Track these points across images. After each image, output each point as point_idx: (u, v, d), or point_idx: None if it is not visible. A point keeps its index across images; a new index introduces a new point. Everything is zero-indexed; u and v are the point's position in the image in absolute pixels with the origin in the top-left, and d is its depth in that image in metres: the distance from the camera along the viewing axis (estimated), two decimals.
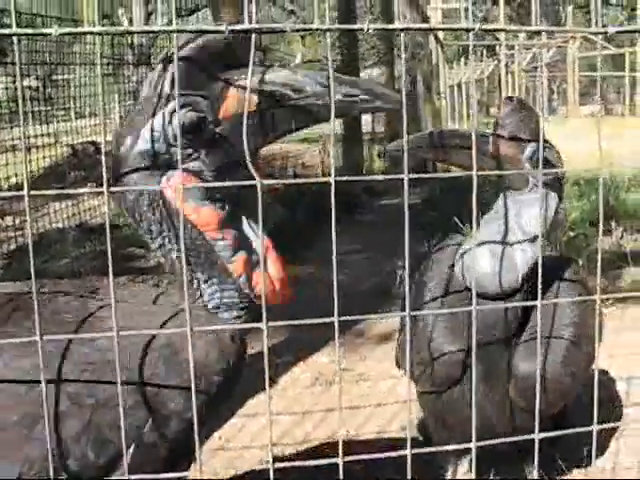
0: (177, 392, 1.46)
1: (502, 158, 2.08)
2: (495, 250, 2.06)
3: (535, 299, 1.89)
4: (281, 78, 1.62)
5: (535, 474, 2.36)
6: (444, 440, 2.31)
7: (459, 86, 24.54)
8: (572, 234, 6.22)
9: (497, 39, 25.69)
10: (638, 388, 3.55)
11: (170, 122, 1.57)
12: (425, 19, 13.19)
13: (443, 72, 17.43)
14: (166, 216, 1.58)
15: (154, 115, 1.57)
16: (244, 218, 1.67)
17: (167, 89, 1.57)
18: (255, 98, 1.60)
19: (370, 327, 4.49)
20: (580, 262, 5.11)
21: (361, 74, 12.70)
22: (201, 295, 1.62)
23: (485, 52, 29.58)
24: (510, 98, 2.15)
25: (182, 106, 1.55)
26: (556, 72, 29.34)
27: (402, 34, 1.25)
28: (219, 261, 1.61)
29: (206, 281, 1.62)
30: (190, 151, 1.59)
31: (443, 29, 1.19)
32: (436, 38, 13.84)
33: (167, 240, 1.61)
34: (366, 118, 13.28)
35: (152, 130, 1.57)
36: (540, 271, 1.45)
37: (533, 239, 2.05)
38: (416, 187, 8.97)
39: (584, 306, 2.23)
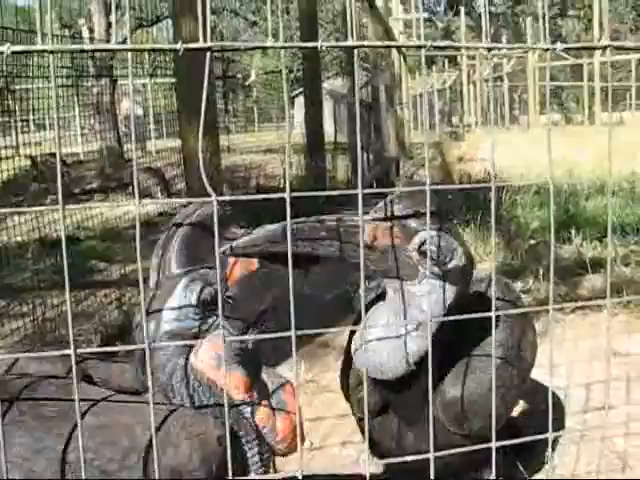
0: None
1: (385, 248, 1.91)
2: (385, 341, 1.96)
3: (462, 329, 1.86)
4: (261, 237, 1.75)
5: None
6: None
7: (421, 96, 24.75)
8: (533, 242, 6.31)
9: (458, 49, 25.98)
10: (597, 394, 3.59)
11: (186, 297, 1.70)
12: (387, 30, 13.30)
13: (405, 82, 17.58)
14: (197, 387, 1.68)
15: (170, 295, 1.70)
16: (263, 367, 1.85)
17: (174, 269, 1.71)
18: (255, 262, 1.76)
19: (335, 338, 4.50)
20: (540, 270, 5.19)
21: (324, 84, 12.73)
22: None
23: (447, 62, 29.92)
24: (403, 178, 2.09)
25: (193, 281, 1.70)
26: (517, 82, 29.76)
27: (355, 51, 1.26)
28: (244, 419, 1.73)
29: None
30: (212, 320, 1.72)
31: (395, 46, 1.21)
32: (398, 49, 13.95)
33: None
34: (329, 128, 13.31)
35: (172, 309, 1.69)
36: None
37: (423, 330, 1.91)
38: (379, 198, 9.00)
39: (515, 324, 2.21)
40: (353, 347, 2.08)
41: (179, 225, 1.75)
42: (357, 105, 1.43)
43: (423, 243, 1.87)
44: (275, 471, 1.87)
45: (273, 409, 1.74)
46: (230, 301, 1.73)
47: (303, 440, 1.88)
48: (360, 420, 2.35)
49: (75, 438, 1.40)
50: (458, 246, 1.92)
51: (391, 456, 2.18)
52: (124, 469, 1.42)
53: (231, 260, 1.72)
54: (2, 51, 1.14)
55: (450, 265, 1.91)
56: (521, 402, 3.40)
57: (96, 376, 1.65)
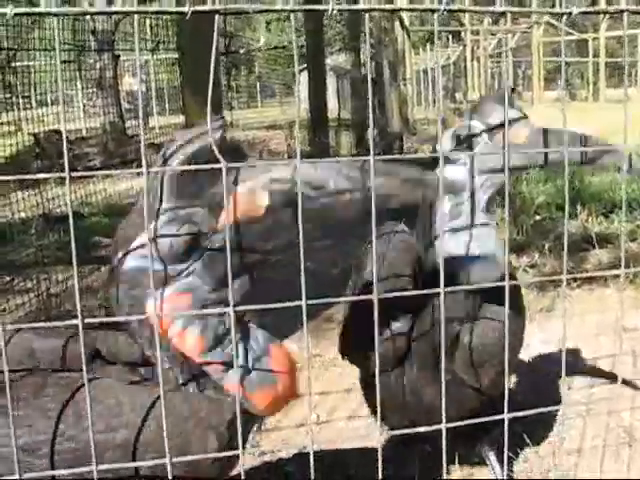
0: None
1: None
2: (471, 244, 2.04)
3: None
4: (288, 173, 1.44)
5: (493, 456, 2.38)
6: (395, 424, 2.31)
7: (425, 71, 24.60)
8: (538, 218, 6.28)
9: (462, 25, 25.80)
10: (604, 368, 3.59)
11: (162, 236, 1.43)
12: (391, 2, 13.19)
13: (409, 58, 17.46)
14: (151, 339, 1.45)
15: (145, 228, 1.41)
16: (251, 327, 1.56)
17: (160, 199, 1.44)
18: (265, 199, 1.45)
19: (340, 312, 4.49)
20: (546, 245, 5.17)
21: (327, 60, 12.65)
22: None
23: (451, 38, 29.70)
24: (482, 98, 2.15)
25: (174, 220, 1.43)
26: (521, 57, 29.57)
27: (366, 15, 1.23)
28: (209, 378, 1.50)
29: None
30: (184, 266, 1.45)
31: (407, 9, 1.18)
32: (402, 24, 13.86)
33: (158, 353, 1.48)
34: (332, 104, 13.23)
35: (143, 245, 1.44)
36: (507, 251, 1.44)
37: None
38: None
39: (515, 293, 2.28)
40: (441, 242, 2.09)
41: (172, 155, 1.44)
42: (369, 75, 1.39)
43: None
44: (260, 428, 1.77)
45: (244, 380, 1.49)
46: (211, 251, 1.46)
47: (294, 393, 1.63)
48: (365, 378, 2.33)
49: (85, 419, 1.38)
50: None
51: (407, 412, 2.20)
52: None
53: (232, 200, 1.42)
54: (5, 12, 1.11)
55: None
56: (529, 375, 3.41)
57: (104, 350, 1.59)
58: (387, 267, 2.17)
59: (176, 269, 1.44)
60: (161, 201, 1.43)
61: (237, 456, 1.50)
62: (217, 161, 1.26)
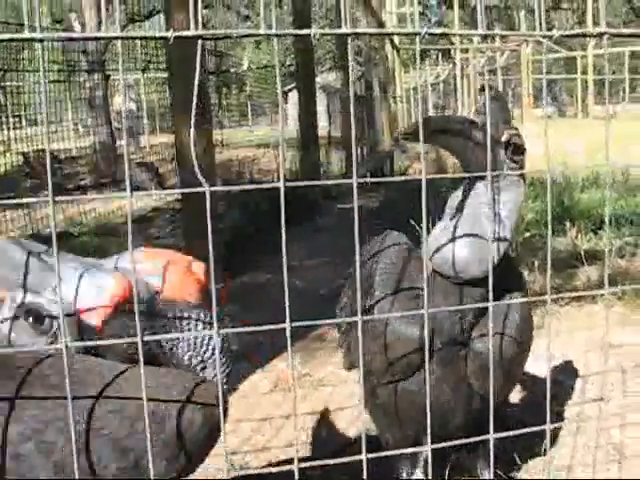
0: (159, 459, 1.45)
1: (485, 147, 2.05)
2: (471, 234, 2.04)
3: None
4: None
5: (486, 472, 2.38)
6: (397, 440, 2.32)
7: (415, 89, 24.72)
8: (527, 234, 6.30)
9: (452, 43, 25.97)
10: (593, 386, 3.60)
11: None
12: (380, 24, 13.26)
13: (399, 76, 17.55)
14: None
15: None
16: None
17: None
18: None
19: (329, 332, 4.49)
20: (535, 262, 5.19)
21: (317, 78, 12.71)
22: None
23: (440, 56, 29.88)
24: (483, 88, 2.13)
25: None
26: (510, 75, 29.78)
27: (349, 39, 1.24)
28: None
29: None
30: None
31: (388, 34, 1.19)
32: (391, 42, 13.93)
33: None
34: (323, 122, 13.29)
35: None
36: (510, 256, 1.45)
37: (506, 224, 2.05)
38: (374, 190, 9.04)
39: (524, 304, 2.27)
40: (431, 248, 2.08)
41: None
42: (351, 92, 1.41)
43: (510, 140, 2.03)
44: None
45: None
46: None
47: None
48: (378, 386, 2.32)
49: (83, 408, 1.41)
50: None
51: (415, 416, 2.20)
52: (133, 435, 1.43)
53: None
54: None
55: (524, 159, 2.09)
56: (519, 393, 3.41)
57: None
58: (389, 284, 2.19)
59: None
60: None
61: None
62: None
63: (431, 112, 27.59)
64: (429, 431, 1.41)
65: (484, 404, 2.17)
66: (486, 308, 2.14)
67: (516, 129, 2.09)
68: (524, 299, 2.21)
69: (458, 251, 2.03)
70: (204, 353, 1.67)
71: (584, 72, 24.13)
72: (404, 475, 2.45)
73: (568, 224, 6.30)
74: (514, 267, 2.35)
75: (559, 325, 4.38)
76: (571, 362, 3.85)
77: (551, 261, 4.51)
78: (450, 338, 2.11)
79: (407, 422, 2.29)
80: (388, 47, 14.22)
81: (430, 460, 1.37)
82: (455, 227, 2.05)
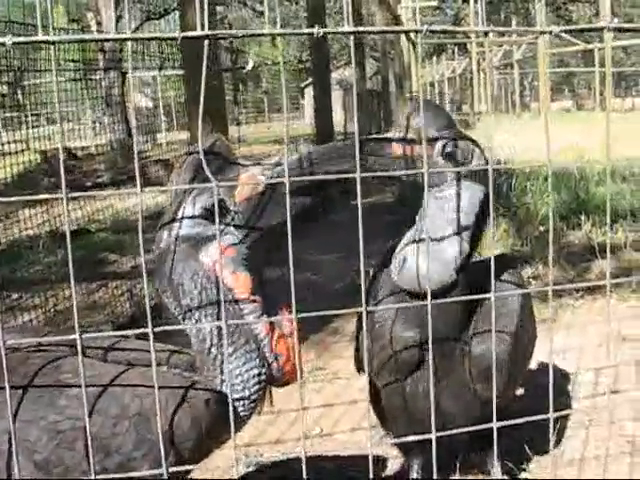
0: (145, 461, 1.49)
1: (415, 158, 2.00)
2: (424, 248, 2.01)
3: (477, 291, 1.92)
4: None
5: (495, 464, 2.39)
6: (404, 436, 2.33)
7: (432, 84, 24.67)
8: (542, 229, 6.30)
9: (468, 37, 25.86)
10: (606, 378, 3.60)
11: (194, 206, 1.82)
12: (396, 18, 13.25)
13: (415, 71, 17.51)
14: (206, 285, 1.78)
15: (180, 205, 1.83)
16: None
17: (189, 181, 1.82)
18: (262, 179, 1.84)
19: (344, 325, 4.52)
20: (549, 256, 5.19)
21: (333, 74, 12.73)
22: (221, 373, 1.75)
23: (457, 50, 29.79)
24: (411, 98, 2.12)
25: (200, 193, 1.82)
26: (527, 69, 29.61)
27: (352, 37, 1.27)
28: (248, 328, 1.80)
29: (232, 353, 1.76)
30: (221, 227, 1.82)
31: (391, 32, 1.22)
32: (407, 37, 13.91)
33: (203, 314, 1.78)
34: (339, 117, 13.30)
35: (184, 217, 1.82)
36: (493, 263, 1.47)
37: (461, 232, 2.01)
38: (388, 185, 9.03)
39: (526, 299, 2.27)
40: (394, 269, 2.09)
41: (191, 153, 1.85)
42: (354, 88, 1.44)
43: (445, 146, 1.99)
44: (271, 397, 1.89)
45: (272, 324, 1.81)
46: (237, 215, 1.83)
47: (295, 371, 1.86)
48: (382, 387, 2.34)
49: (69, 408, 1.44)
50: (474, 147, 2.05)
51: (417, 417, 2.22)
52: (116, 435, 1.46)
53: (240, 180, 1.82)
54: (4, 42, 1.16)
55: (472, 164, 2.04)
56: (530, 387, 3.42)
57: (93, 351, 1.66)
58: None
59: (214, 231, 1.78)
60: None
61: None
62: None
63: (447, 106, 27.51)
64: (434, 422, 1.44)
65: (488, 406, 2.15)
66: (480, 310, 2.14)
67: (455, 133, 2.03)
68: (515, 292, 2.19)
69: (411, 268, 2.02)
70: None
71: (602, 65, 23.94)
72: (414, 474, 2.48)
73: (583, 218, 6.30)
74: (509, 266, 2.30)
75: (572, 318, 4.39)
76: (584, 355, 3.86)
77: (565, 254, 4.51)
78: (442, 341, 2.10)
79: (405, 423, 2.30)
80: (404, 42, 14.20)
81: (435, 453, 1.38)
82: (413, 242, 2.05)
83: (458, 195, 2.02)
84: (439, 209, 2.03)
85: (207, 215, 1.80)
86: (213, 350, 1.74)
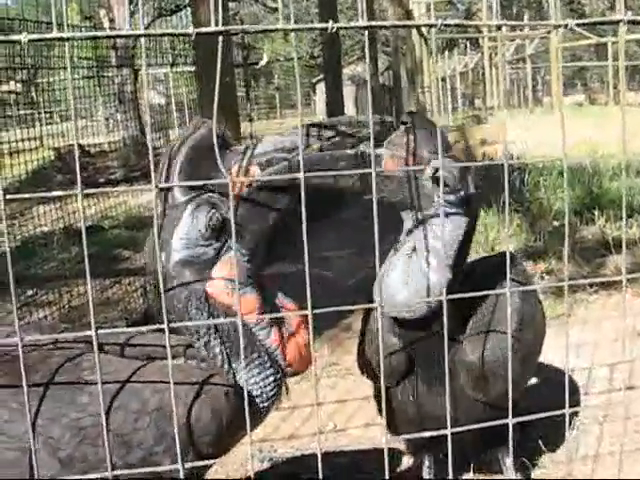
0: (166, 456, 1.49)
1: (401, 179, 1.95)
2: (405, 274, 1.96)
3: (472, 299, 1.89)
4: (270, 145, 1.72)
5: (509, 463, 2.38)
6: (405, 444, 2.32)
7: (443, 79, 24.58)
8: (556, 224, 6.27)
9: (480, 31, 25.75)
10: (621, 375, 3.58)
11: (193, 224, 1.68)
12: (408, 13, 13.21)
13: (427, 66, 17.46)
14: (212, 312, 1.70)
15: (177, 223, 1.69)
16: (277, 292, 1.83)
17: (179, 197, 1.68)
18: (257, 170, 1.72)
19: (357, 321, 4.51)
20: (563, 252, 5.16)
21: (345, 70, 12.71)
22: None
23: (469, 45, 29.66)
24: (409, 113, 2.02)
25: (199, 207, 1.67)
26: (540, 63, 29.44)
27: (366, 32, 1.27)
28: (258, 341, 1.75)
29: (246, 366, 1.73)
30: (221, 244, 1.70)
31: (403, 26, 1.22)
32: (419, 32, 13.87)
33: (212, 337, 1.71)
34: (351, 113, 13.29)
35: (181, 238, 1.69)
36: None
37: (443, 260, 1.93)
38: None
39: (526, 299, 2.19)
40: (375, 296, 2.02)
41: (178, 148, 1.70)
42: (369, 83, 1.44)
43: (436, 171, 1.89)
44: (287, 392, 1.89)
45: (280, 329, 1.77)
46: (237, 222, 1.68)
47: (311, 362, 1.91)
48: (379, 390, 2.34)
49: (90, 405, 1.44)
50: (467, 174, 1.96)
51: (412, 423, 2.21)
52: (138, 430, 1.46)
53: (236, 179, 1.71)
54: (19, 40, 1.17)
55: (462, 192, 1.95)
56: (544, 382, 3.41)
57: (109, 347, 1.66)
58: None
59: (215, 249, 1.68)
60: (168, 179, 1.67)
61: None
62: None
63: (459, 102, 27.42)
64: (448, 418, 1.44)
65: (491, 412, 2.09)
66: (476, 314, 2.11)
67: (450, 158, 1.94)
68: (532, 287, 2.18)
69: (391, 295, 1.97)
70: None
71: (615, 58, 23.76)
72: (426, 473, 2.48)
73: (597, 212, 6.26)
74: (513, 265, 2.23)
75: (587, 313, 4.37)
76: (599, 350, 3.84)
77: (579, 250, 4.48)
78: (434, 348, 2.03)
79: (402, 427, 2.29)
80: (416, 37, 14.16)
81: (450, 449, 1.38)
82: (394, 267, 1.99)
83: (443, 221, 1.92)
84: (423, 234, 1.96)
85: (208, 234, 1.69)
86: (225, 366, 1.72)
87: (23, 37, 1.17)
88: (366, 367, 2.35)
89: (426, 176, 1.92)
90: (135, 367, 1.56)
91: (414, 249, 1.98)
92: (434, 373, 2.11)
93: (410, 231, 2.00)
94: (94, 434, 1.43)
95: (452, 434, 1.36)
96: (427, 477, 2.49)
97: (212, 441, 1.56)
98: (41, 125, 10.12)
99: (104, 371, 1.42)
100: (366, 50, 1.28)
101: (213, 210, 1.67)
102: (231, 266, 1.68)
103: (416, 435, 1.42)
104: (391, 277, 1.98)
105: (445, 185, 1.91)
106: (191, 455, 1.49)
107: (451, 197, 1.93)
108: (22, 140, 5.92)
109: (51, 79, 10.92)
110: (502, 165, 1.36)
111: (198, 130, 1.72)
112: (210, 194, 1.68)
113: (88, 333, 1.22)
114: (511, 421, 1.44)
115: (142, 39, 1.37)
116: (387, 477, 1.36)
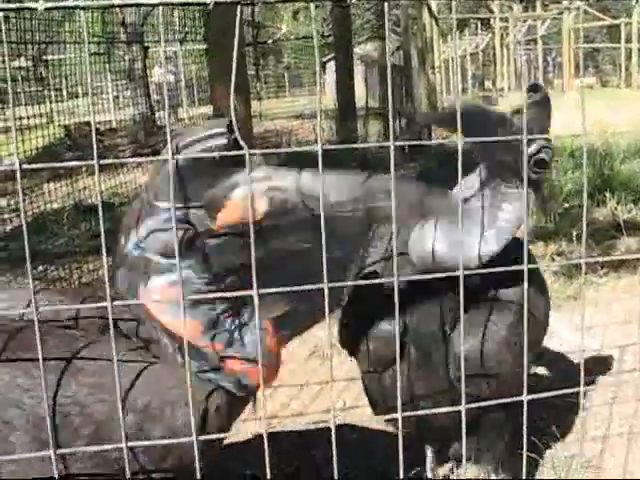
0: (147, 460, 1.45)
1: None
2: (456, 230, 1.88)
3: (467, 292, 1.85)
4: (289, 182, 1.46)
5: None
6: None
7: (454, 60, 24.40)
8: (567, 205, 6.24)
9: (491, 11, 25.57)
10: (631, 357, 3.58)
11: (161, 232, 1.48)
12: None
13: (437, 46, 17.33)
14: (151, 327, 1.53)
15: (143, 220, 1.50)
16: (244, 310, 1.57)
17: (160, 202, 1.49)
18: (264, 205, 1.47)
19: None
20: (574, 233, 5.15)
21: (355, 49, 12.63)
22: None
23: (480, 25, 29.43)
24: (531, 88, 2.00)
25: (169, 220, 1.45)
26: (551, 45, 29.21)
27: (386, 4, 1.25)
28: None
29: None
30: (176, 261, 1.44)
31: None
32: (430, 11, 13.75)
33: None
34: (361, 92, 13.21)
35: (139, 236, 1.51)
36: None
37: (502, 233, 1.90)
38: (413, 160, 9.00)
39: (529, 287, 2.16)
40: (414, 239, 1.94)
41: (175, 152, 1.48)
42: (388, 62, 1.42)
43: (539, 151, 1.92)
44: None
45: (244, 358, 1.54)
46: (208, 248, 1.50)
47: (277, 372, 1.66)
48: (365, 374, 2.30)
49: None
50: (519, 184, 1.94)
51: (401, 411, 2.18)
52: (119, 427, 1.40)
53: (227, 201, 1.46)
54: (36, 7, 1.16)
55: (538, 176, 1.97)
56: (555, 363, 3.41)
57: (124, 327, 1.60)
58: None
59: (171, 262, 1.47)
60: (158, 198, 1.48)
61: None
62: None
63: (469, 82, 27.24)
64: (463, 397, 1.43)
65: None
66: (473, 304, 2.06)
67: (549, 141, 1.95)
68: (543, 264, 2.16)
69: (437, 244, 1.91)
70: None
71: (628, 40, 23.56)
72: (428, 465, 2.49)
73: (608, 195, 6.23)
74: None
75: (597, 295, 4.35)
76: (609, 332, 3.83)
77: (591, 232, 4.47)
78: (426, 335, 2.04)
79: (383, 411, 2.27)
80: (426, 16, 14.03)
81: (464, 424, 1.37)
82: (442, 222, 1.92)
83: (519, 198, 1.91)
84: (495, 203, 1.93)
85: (168, 248, 1.46)
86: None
87: (40, 5, 1.16)
88: (351, 349, 2.29)
89: (531, 151, 1.92)
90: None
91: (482, 208, 1.94)
92: (424, 362, 2.08)
93: (482, 194, 1.95)
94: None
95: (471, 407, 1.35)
96: (429, 471, 2.50)
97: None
98: (50, 102, 10.12)
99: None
100: (386, 22, 1.26)
101: (179, 229, 1.46)
102: (171, 290, 1.49)
103: (432, 411, 1.41)
104: (443, 226, 1.90)
105: (542, 166, 1.93)
106: (174, 464, 1.47)
107: (534, 176, 1.95)
108: (34, 116, 5.92)
109: (61, 56, 10.89)
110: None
111: (210, 139, 1.49)
112: (195, 211, 1.48)
113: (104, 304, 1.21)
114: (525, 398, 1.43)
115: (158, 11, 1.36)
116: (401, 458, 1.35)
